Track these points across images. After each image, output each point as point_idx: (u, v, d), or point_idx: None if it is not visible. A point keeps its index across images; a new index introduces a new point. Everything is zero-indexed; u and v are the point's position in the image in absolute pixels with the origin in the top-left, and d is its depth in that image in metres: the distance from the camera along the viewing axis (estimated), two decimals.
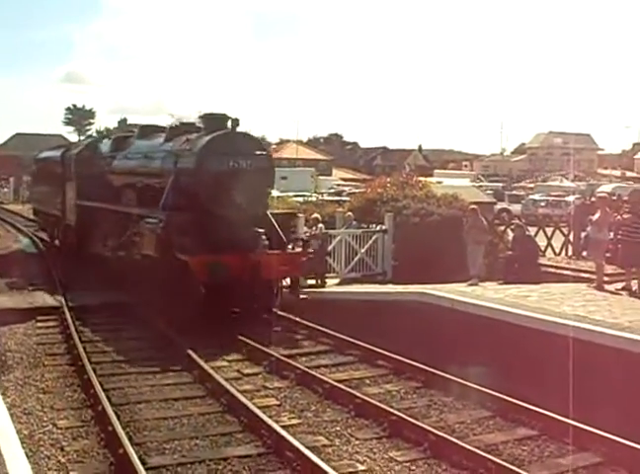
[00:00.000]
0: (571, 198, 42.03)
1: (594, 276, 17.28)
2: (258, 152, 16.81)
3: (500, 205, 42.22)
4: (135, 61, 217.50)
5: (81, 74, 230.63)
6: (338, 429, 9.79)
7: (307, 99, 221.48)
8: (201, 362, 12.31)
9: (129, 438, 8.97)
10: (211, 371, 11.85)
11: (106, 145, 23.00)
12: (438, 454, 8.89)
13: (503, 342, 12.45)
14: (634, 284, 16.19)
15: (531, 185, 72.82)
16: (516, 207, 44.69)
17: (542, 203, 45.70)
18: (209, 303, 14.73)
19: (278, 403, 10.83)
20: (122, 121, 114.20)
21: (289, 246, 16.87)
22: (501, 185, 69.16)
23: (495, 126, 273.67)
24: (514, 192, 58.42)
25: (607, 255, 18.30)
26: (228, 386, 11.07)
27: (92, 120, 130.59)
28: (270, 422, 9.47)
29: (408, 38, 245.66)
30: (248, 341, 13.99)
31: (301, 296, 17.60)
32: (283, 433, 9.10)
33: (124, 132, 24.58)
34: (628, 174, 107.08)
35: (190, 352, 12.81)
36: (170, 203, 16.34)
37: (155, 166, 17.99)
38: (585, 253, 21.15)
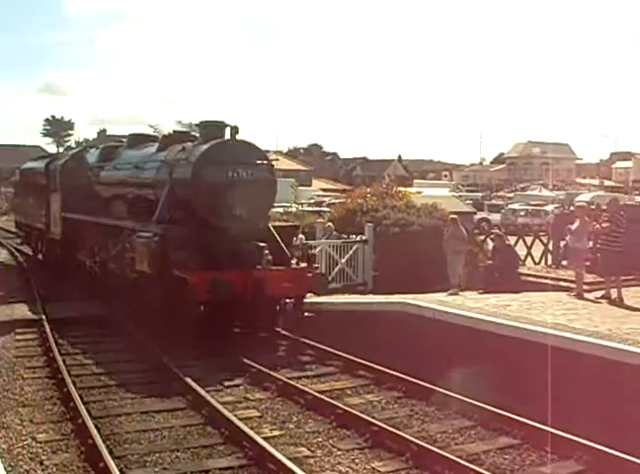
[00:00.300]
0: (550, 208, 42.28)
1: (573, 285, 17.35)
2: (259, 161, 15.99)
3: (479, 215, 42.35)
4: (113, 72, 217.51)
5: (60, 85, 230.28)
6: (320, 439, 9.76)
7: (287, 109, 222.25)
8: (192, 383, 12.21)
9: (110, 452, 8.90)
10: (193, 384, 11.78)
11: (93, 155, 22.28)
12: (420, 464, 8.85)
13: (484, 351, 12.47)
14: (613, 293, 16.26)
15: (510, 194, 73.22)
16: (495, 217, 44.91)
17: (522, 213, 45.95)
18: (208, 322, 14.37)
19: (259, 414, 10.77)
20: (102, 132, 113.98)
21: (293, 261, 16.08)
22: (480, 194, 69.46)
23: (474, 136, 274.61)
24: (493, 201, 58.68)
25: (587, 264, 18.42)
26: (209, 397, 11.02)
27: (71, 132, 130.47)
28: (251, 433, 9.42)
29: (387, 49, 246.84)
30: (229, 351, 13.83)
31: (306, 314, 16.22)
32: (265, 444, 9.06)
33: (113, 142, 23.82)
34: (606, 183, 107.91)
35: (167, 362, 12.71)
36: (165, 216, 15.64)
37: (148, 176, 17.24)
38: (564, 262, 21.30)
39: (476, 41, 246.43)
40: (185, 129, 18.82)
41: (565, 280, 19.36)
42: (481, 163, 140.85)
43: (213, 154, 15.38)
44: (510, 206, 50.49)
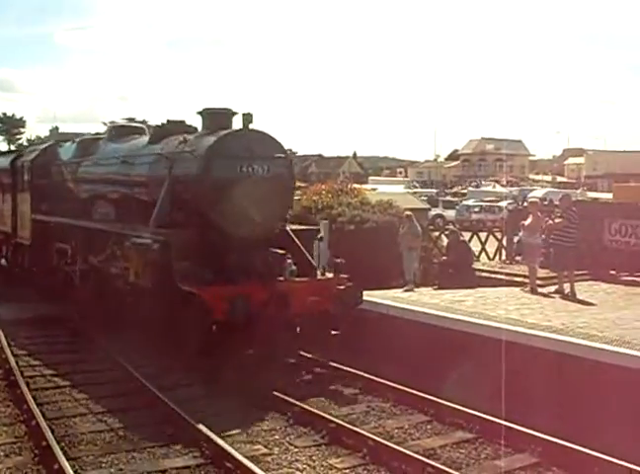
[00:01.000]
0: (504, 204, 42.64)
1: (527, 280, 17.54)
2: (277, 155, 13.65)
3: (434, 211, 42.60)
4: (65, 69, 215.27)
5: (10, 81, 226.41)
6: (277, 437, 9.75)
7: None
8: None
9: (65, 453, 8.78)
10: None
11: (68, 150, 19.88)
12: (377, 460, 8.89)
13: (439, 346, 12.55)
14: (566, 287, 16.46)
15: (465, 190, 73.72)
16: (450, 213, 45.19)
17: (476, 209, 46.32)
18: (219, 345, 12.03)
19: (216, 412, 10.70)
20: (54, 130, 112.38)
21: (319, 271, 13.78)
22: (435, 191, 69.86)
23: (429, 133, 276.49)
24: (447, 197, 59.04)
25: (540, 259, 18.61)
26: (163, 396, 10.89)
27: (22, 129, 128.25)
28: (208, 432, 9.37)
29: (342, 46, 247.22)
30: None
31: (333, 333, 12.99)
32: (221, 442, 9.02)
33: (89, 135, 21.82)
34: (559, 179, 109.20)
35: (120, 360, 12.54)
36: (163, 219, 13.42)
37: (139, 173, 15.13)
38: (518, 257, 21.50)
39: (430, 39, 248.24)
40: (179, 119, 15.56)
41: (519, 276, 19.55)
42: (435, 160, 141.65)
43: (224, 146, 13.12)
44: (464, 203, 50.83)
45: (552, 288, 16.89)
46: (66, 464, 8.32)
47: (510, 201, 42.28)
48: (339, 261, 13.95)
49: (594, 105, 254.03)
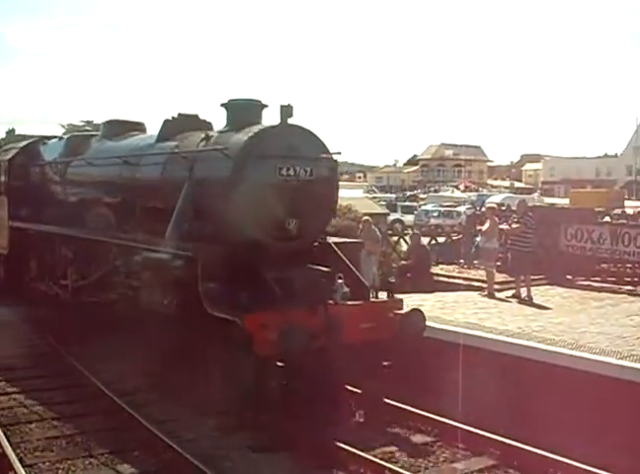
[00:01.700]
0: (462, 209, 42.95)
1: (485, 285, 17.68)
2: (322, 155, 11.57)
3: (393, 216, 42.74)
4: (20, 70, 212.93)
5: None
6: None
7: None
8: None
9: (20, 460, 8.66)
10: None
11: (53, 148, 17.58)
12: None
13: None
14: (523, 292, 16.65)
15: (423, 195, 74.13)
16: (408, 218, 45.36)
17: (434, 214, 46.52)
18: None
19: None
20: (10, 132, 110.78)
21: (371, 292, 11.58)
22: (394, 196, 70.15)
23: (388, 138, 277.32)
24: (406, 202, 59.30)
25: (498, 263, 18.80)
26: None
27: None
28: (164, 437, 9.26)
29: (301, 44, 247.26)
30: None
31: (385, 364, 10.81)
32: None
33: (78, 132, 19.39)
34: (517, 184, 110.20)
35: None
36: (184, 229, 11.19)
37: (148, 175, 12.99)
38: (476, 262, 21.68)
39: (391, 44, 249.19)
40: (192, 113, 13.68)
41: (477, 280, 19.71)
42: (395, 165, 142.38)
43: (261, 144, 10.95)
44: (423, 208, 51.07)
45: (509, 293, 17.06)
46: (22, 471, 8.21)
47: (468, 207, 42.61)
48: (392, 280, 12.25)
49: (550, 111, 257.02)
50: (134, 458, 9.06)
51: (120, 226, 13.67)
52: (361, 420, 10.60)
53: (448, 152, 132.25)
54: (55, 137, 18.87)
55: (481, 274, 19.33)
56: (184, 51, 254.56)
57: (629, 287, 19.11)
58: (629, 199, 68.24)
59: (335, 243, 12.07)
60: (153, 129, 14.40)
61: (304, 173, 11.14)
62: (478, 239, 19.21)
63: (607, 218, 21.94)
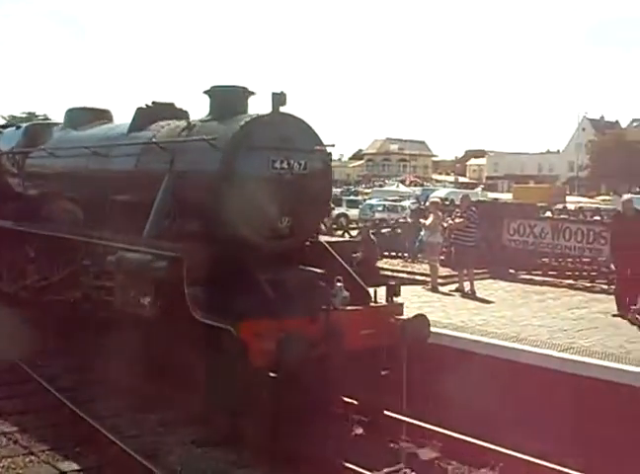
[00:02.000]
0: (407, 203, 43.16)
1: (429, 279, 17.81)
2: (316, 147, 10.58)
3: (338, 210, 42.78)
4: None
5: None
6: None
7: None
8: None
9: None
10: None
11: (9, 138, 16.06)
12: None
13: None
14: (466, 286, 16.81)
15: (368, 190, 74.40)
16: (353, 212, 45.45)
17: (379, 208, 46.63)
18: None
19: None
20: None
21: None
22: (339, 190, 70.31)
23: (333, 133, 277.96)
24: (351, 197, 59.41)
25: (441, 258, 18.97)
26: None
27: None
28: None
29: (244, 43, 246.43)
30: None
31: (383, 372, 9.91)
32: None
33: (42, 121, 17.19)
34: (461, 179, 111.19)
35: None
36: (163, 227, 10.26)
37: (121, 167, 11.86)
38: (420, 256, 21.86)
39: (336, 39, 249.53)
40: (167, 101, 12.63)
41: (420, 274, 19.86)
42: (339, 159, 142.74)
43: (252, 135, 9.92)
44: (367, 202, 51.19)
45: (453, 287, 17.23)
46: None
47: (412, 201, 42.87)
48: (392, 283, 11.14)
49: (495, 108, 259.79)
50: (76, 455, 8.94)
51: (87, 222, 12.50)
52: (360, 432, 9.87)
53: (393, 147, 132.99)
54: (12, 126, 17.43)
55: (425, 268, 19.48)
56: (149, 39, 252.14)
57: (570, 281, 19.44)
58: (570, 195, 69.40)
59: (329, 242, 11.23)
60: (118, 119, 13.81)
61: (298, 166, 10.18)
62: (422, 233, 19.36)
63: (549, 213, 22.22)
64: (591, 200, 55.00)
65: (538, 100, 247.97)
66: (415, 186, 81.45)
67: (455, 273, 17.94)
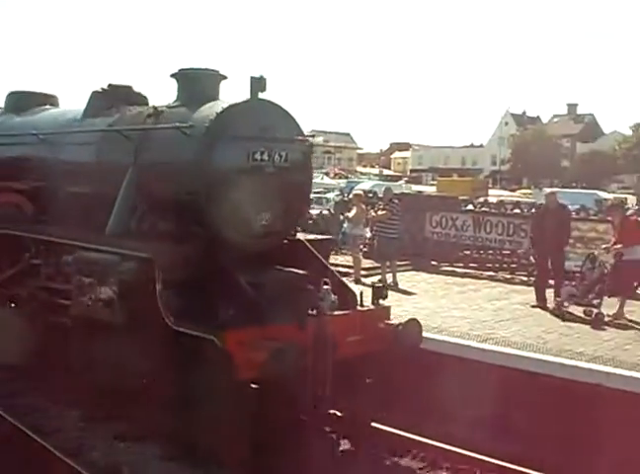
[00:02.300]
0: (331, 195, 43.26)
1: (352, 271, 17.85)
2: (297, 137, 9.69)
3: None
4: None
5: None
6: None
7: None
8: None
9: None
10: None
11: None
12: None
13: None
14: (389, 277, 16.90)
15: None
16: None
17: None
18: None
19: None
20: None
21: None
22: None
23: None
24: None
25: (364, 249, 19.05)
26: None
27: None
28: None
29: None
30: None
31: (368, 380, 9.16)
32: None
33: None
34: (386, 172, 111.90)
35: None
36: (127, 224, 9.43)
37: (77, 156, 10.66)
38: (343, 247, 21.92)
39: (256, 32, 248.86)
40: (124, 84, 11.47)
41: (344, 266, 19.88)
42: None
43: (231, 123, 8.97)
44: None
45: (376, 278, 17.29)
46: None
47: (337, 193, 43.00)
48: (379, 284, 10.34)
49: (419, 101, 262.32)
50: None
51: (37, 217, 11.20)
52: (346, 448, 9.23)
53: (318, 139, 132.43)
54: None
55: (348, 259, 19.52)
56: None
57: (490, 273, 19.72)
58: (493, 188, 70.43)
59: (308, 240, 10.21)
60: (64, 106, 12.86)
61: (279, 158, 9.25)
62: (345, 226, 19.42)
63: (471, 206, 22.51)
64: (512, 194, 55.86)
65: (463, 94, 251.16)
66: (339, 178, 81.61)
67: (378, 264, 18.01)
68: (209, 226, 8.85)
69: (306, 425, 8.25)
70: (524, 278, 18.74)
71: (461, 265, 20.57)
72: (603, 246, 15.44)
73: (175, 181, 9.15)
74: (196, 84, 9.77)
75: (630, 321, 13.96)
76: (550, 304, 14.89)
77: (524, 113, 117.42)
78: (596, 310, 14.03)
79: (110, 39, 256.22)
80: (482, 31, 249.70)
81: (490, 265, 20.38)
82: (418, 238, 20.97)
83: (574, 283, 15.05)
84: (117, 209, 9.40)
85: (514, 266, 20.13)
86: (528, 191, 62.86)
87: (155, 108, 9.84)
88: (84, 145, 10.55)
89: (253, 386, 7.58)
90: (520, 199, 34.81)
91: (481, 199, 27.23)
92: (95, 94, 11.22)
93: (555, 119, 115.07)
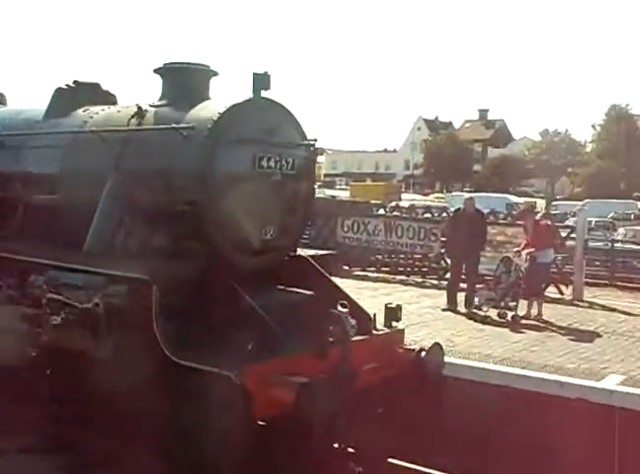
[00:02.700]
0: None
1: None
2: (305, 141, 8.55)
3: None
4: None
5: None
6: None
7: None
8: None
9: None
10: None
11: None
12: None
13: None
14: None
15: None
16: None
17: None
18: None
19: None
20: None
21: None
22: None
23: None
24: None
25: None
26: None
27: None
28: None
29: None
30: None
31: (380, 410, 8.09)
32: None
33: None
34: None
35: None
36: (123, 241, 7.96)
37: (42, 163, 9.08)
38: None
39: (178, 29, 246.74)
40: (91, 81, 10.09)
41: None
42: None
43: (237, 125, 7.78)
44: None
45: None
46: None
47: None
48: (391, 305, 8.98)
49: (332, 106, 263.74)
50: None
51: None
52: None
53: None
54: None
55: None
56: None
57: (402, 277, 19.91)
58: (406, 192, 71.11)
59: (311, 256, 9.03)
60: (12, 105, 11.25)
61: (286, 164, 8.12)
62: None
63: (382, 211, 22.63)
64: (425, 198, 56.54)
65: (376, 99, 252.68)
66: None
67: None
68: (210, 241, 7.65)
69: (324, 464, 7.33)
70: (435, 282, 18.94)
71: (373, 269, 20.67)
72: (515, 249, 15.71)
73: (170, 190, 7.84)
74: (184, 80, 8.53)
75: (539, 322, 14.28)
76: (461, 308, 15.05)
77: (437, 118, 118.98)
78: (512, 313, 14.29)
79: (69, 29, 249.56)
80: (395, 36, 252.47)
81: (402, 269, 20.56)
82: (330, 242, 20.94)
83: (489, 287, 15.27)
84: (96, 223, 7.98)
85: (425, 269, 20.34)
86: (441, 195, 63.69)
87: (139, 107, 8.48)
88: (50, 149, 9.05)
89: (262, 423, 6.78)
90: (431, 204, 35.26)
91: (393, 204, 27.47)
92: (59, 91, 9.74)
93: (467, 125, 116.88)
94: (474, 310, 14.83)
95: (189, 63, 8.58)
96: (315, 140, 8.62)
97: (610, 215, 40.78)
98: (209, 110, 7.93)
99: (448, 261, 17.63)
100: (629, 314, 15.83)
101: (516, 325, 13.84)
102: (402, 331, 8.70)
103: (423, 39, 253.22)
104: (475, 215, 15.76)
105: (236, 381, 6.29)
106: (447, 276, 17.21)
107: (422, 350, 8.23)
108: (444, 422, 9.18)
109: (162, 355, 6.64)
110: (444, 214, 21.23)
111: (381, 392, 7.83)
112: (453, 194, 51.89)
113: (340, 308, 7.40)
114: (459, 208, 16.65)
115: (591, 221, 27.17)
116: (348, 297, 8.34)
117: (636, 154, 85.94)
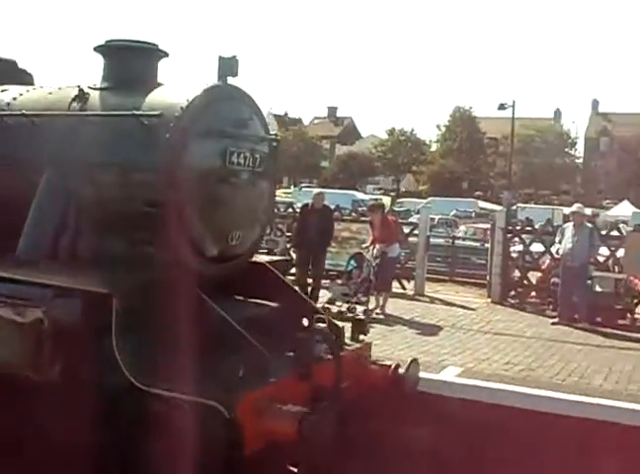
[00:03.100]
0: None
1: None
2: (270, 134, 7.70)
3: None
4: None
5: None
6: None
7: None
8: None
9: None
10: None
11: None
12: None
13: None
14: None
15: None
16: None
17: None
18: None
19: None
20: None
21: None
22: None
23: None
24: None
25: None
26: None
27: None
28: None
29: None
30: None
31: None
32: None
33: None
34: None
35: None
36: (68, 245, 6.93)
37: None
38: None
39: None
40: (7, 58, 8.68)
41: None
42: None
43: (208, 115, 6.80)
44: None
45: None
46: None
47: None
48: (360, 316, 8.38)
49: None
50: None
51: None
52: None
53: None
54: None
55: None
56: None
57: None
58: None
59: (269, 262, 8.15)
60: None
61: (253, 159, 7.15)
62: None
63: None
64: None
65: None
66: None
67: None
68: (174, 247, 6.64)
69: None
70: None
71: None
72: (364, 245, 15.92)
73: (127, 187, 6.79)
74: (130, 61, 7.38)
75: (382, 315, 14.61)
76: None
77: (286, 114, 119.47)
78: (363, 307, 14.44)
79: None
80: (250, 35, 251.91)
81: None
82: None
83: (341, 282, 15.38)
84: (30, 224, 6.91)
85: None
86: (289, 190, 64.04)
87: (81, 89, 7.32)
88: None
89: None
90: (277, 199, 35.29)
91: None
92: None
93: (316, 121, 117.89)
94: (327, 305, 14.91)
95: (135, 41, 7.48)
96: (277, 135, 7.87)
97: (453, 213, 42.12)
98: (173, 95, 6.89)
99: (294, 256, 17.66)
100: (467, 308, 16.31)
101: (367, 319, 13.96)
102: (369, 345, 8.05)
103: (273, 35, 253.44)
104: (324, 211, 15.85)
105: (223, 412, 5.37)
106: (293, 270, 17.27)
107: (398, 366, 7.62)
108: None
109: (123, 380, 5.55)
110: (290, 210, 21.22)
111: (355, 412, 7.07)
112: (304, 189, 52.15)
113: (317, 323, 6.87)
114: (307, 204, 16.70)
115: (434, 218, 27.92)
116: (315, 309, 7.76)
117: (478, 155, 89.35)
